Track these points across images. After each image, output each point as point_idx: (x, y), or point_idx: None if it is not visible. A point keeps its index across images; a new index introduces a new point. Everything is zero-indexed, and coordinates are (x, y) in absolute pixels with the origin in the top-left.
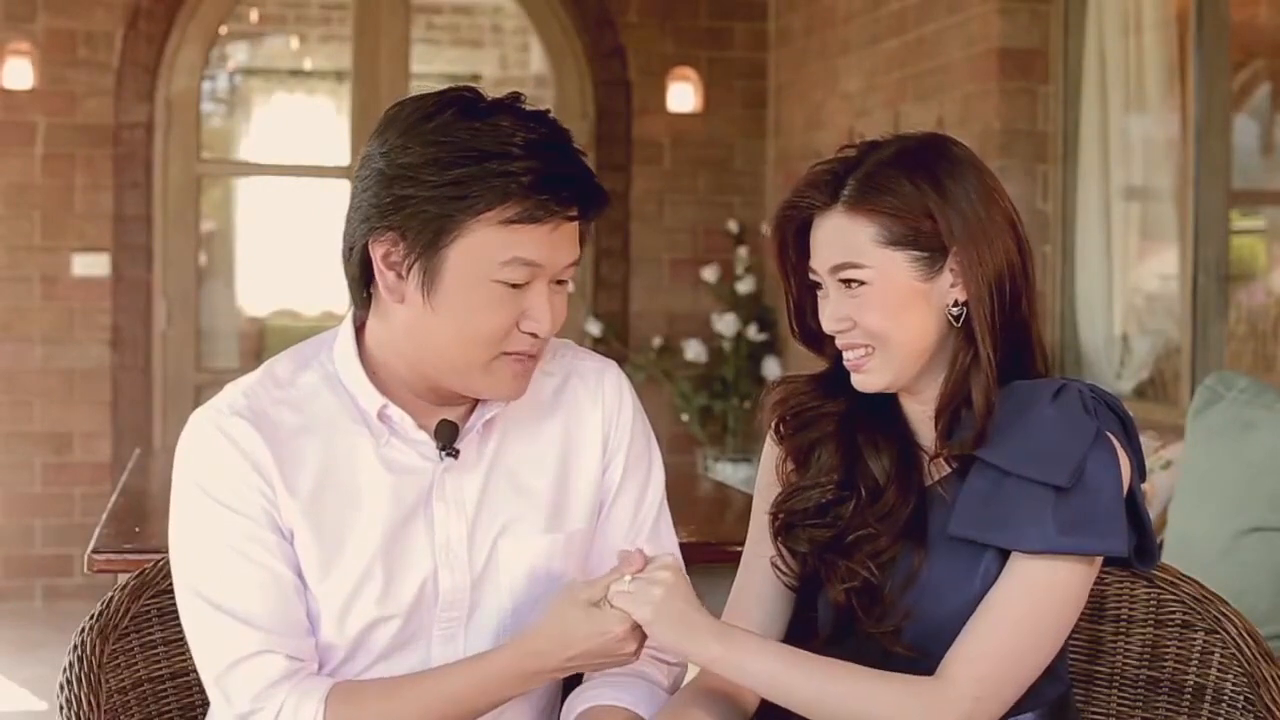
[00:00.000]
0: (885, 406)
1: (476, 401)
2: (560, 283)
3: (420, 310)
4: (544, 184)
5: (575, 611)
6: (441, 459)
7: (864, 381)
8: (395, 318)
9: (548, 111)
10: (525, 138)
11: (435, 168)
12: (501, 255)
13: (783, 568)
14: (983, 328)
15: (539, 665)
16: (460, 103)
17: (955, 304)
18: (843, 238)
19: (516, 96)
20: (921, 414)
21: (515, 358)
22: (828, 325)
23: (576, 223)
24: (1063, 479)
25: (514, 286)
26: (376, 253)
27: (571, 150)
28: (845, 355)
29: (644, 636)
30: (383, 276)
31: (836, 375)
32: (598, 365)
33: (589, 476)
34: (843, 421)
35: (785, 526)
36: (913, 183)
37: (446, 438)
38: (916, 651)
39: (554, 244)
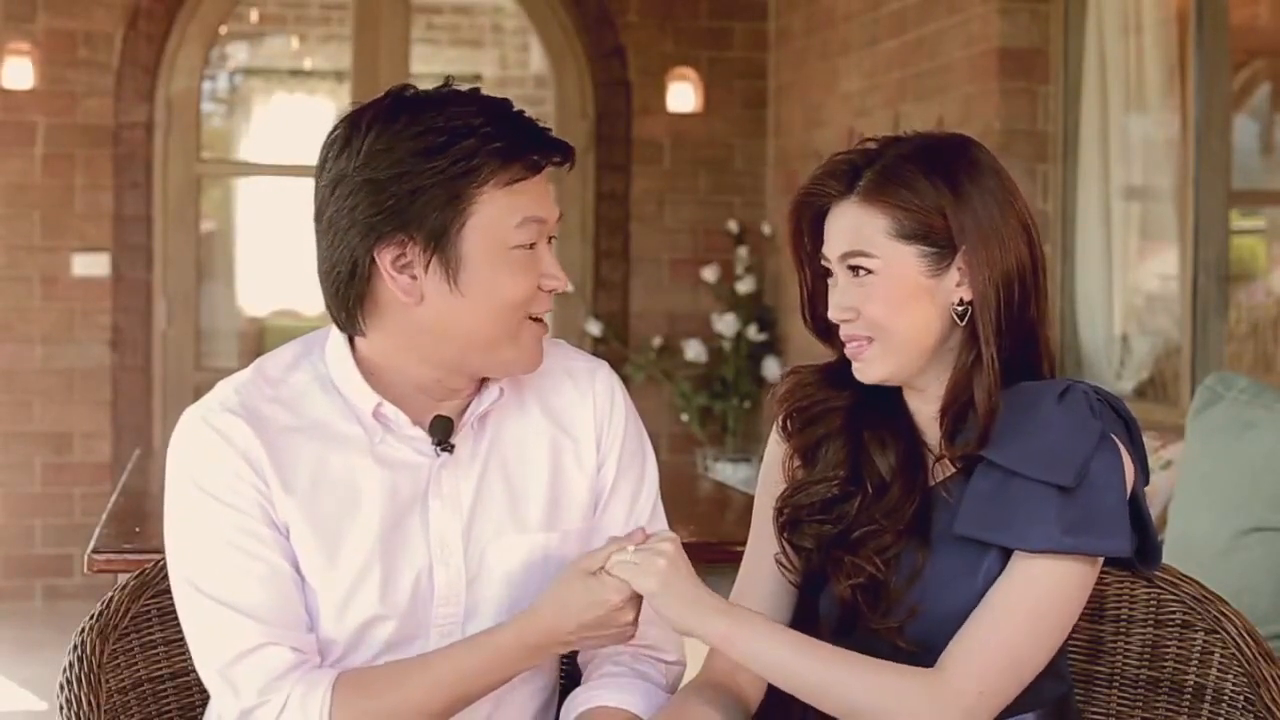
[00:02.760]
0: (892, 404)
1: (471, 398)
2: (550, 240)
3: (447, 300)
4: (524, 141)
5: (574, 581)
6: (437, 454)
7: (862, 370)
8: (409, 320)
9: (478, 90)
10: (481, 110)
11: (424, 156)
12: (514, 217)
13: (787, 564)
14: (986, 328)
15: (541, 638)
16: (408, 101)
17: (960, 302)
18: (855, 226)
19: (448, 81)
20: (927, 413)
21: (535, 322)
22: (833, 313)
23: (554, 170)
24: (1067, 479)
25: (529, 248)
26: (384, 260)
27: (521, 111)
28: (846, 344)
29: (640, 607)
30: (394, 282)
31: (845, 367)
32: (589, 365)
33: (583, 475)
34: (849, 417)
35: (791, 522)
36: (929, 180)
37: (441, 432)
38: (920, 648)
39: (546, 197)
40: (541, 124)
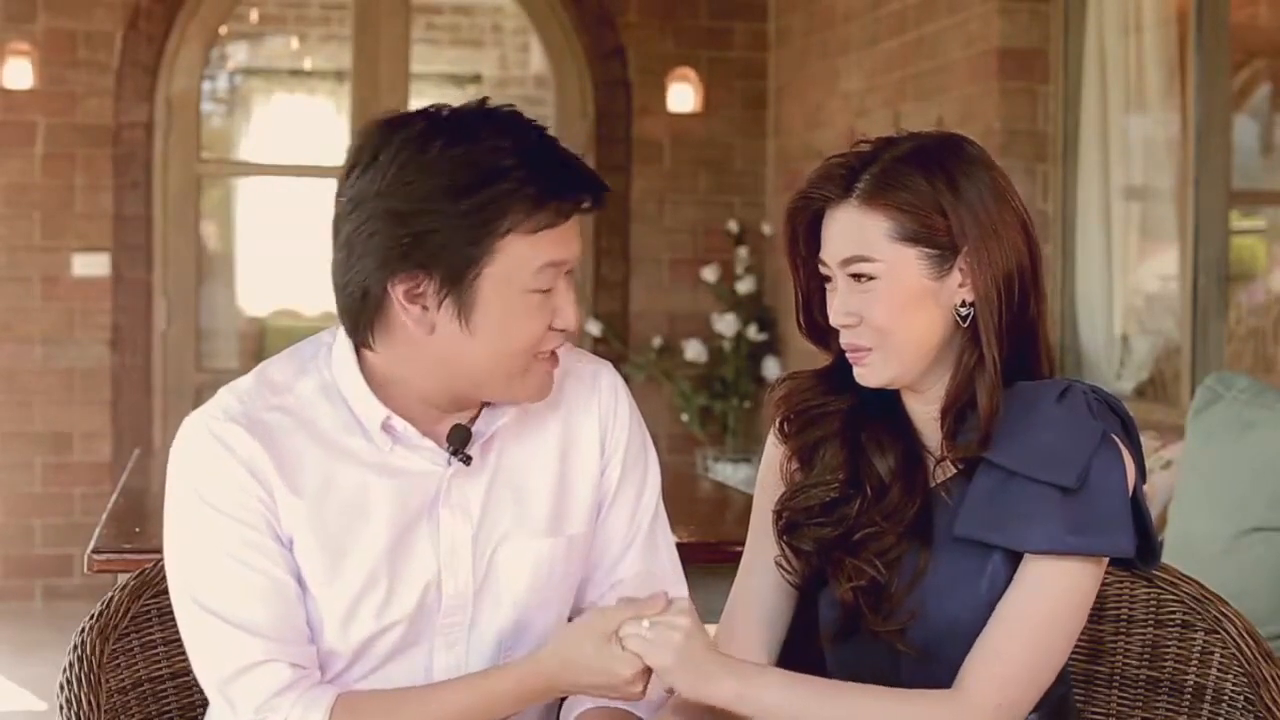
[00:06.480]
0: (890, 406)
1: (483, 408)
2: (570, 274)
3: (456, 336)
4: (554, 186)
5: (587, 646)
6: (450, 464)
7: (865, 375)
8: (422, 348)
9: (512, 106)
10: (515, 146)
11: (450, 196)
12: (534, 264)
13: (787, 566)
14: (989, 329)
15: (544, 686)
16: (443, 126)
17: (963, 304)
18: (855, 231)
19: (484, 102)
20: (926, 415)
21: (546, 357)
22: (834, 318)
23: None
24: (1069, 480)
25: (545, 291)
26: (398, 291)
27: (557, 143)
28: (847, 350)
29: (650, 677)
30: (406, 312)
31: (841, 371)
32: (593, 366)
33: (588, 478)
34: (847, 420)
35: (790, 525)
36: (927, 179)
37: (460, 441)
38: (923, 651)
39: (571, 239)
40: (574, 158)
